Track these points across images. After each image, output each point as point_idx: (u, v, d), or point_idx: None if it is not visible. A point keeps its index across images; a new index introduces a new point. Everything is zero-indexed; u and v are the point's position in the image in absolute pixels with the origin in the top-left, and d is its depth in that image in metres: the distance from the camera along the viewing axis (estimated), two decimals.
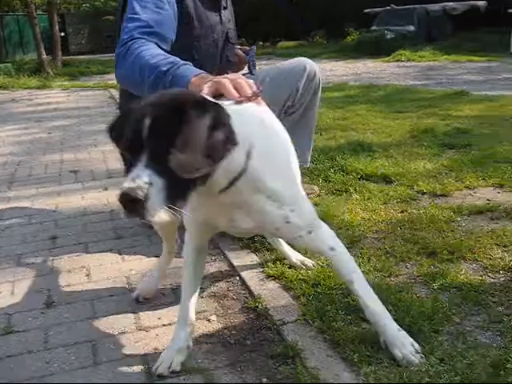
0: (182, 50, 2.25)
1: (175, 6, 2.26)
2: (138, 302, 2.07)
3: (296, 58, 2.81)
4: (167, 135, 1.21)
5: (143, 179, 1.20)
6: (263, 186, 1.43)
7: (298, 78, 2.72)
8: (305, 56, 2.92)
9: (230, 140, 1.26)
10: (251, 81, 1.60)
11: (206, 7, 2.43)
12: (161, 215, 1.25)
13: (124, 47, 2.05)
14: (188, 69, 1.82)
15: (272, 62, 11.43)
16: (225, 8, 2.59)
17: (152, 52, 1.97)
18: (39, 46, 14.05)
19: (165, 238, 2.10)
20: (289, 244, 2.22)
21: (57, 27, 15.07)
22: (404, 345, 1.60)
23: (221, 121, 1.25)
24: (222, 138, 1.24)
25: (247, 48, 2.80)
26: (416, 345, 1.60)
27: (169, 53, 2.06)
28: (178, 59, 1.89)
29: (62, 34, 18.56)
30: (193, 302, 1.71)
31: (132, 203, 1.19)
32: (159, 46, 2.08)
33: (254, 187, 1.42)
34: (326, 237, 1.62)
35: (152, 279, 2.13)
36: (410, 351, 1.58)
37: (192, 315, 1.71)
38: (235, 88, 1.53)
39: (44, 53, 14.05)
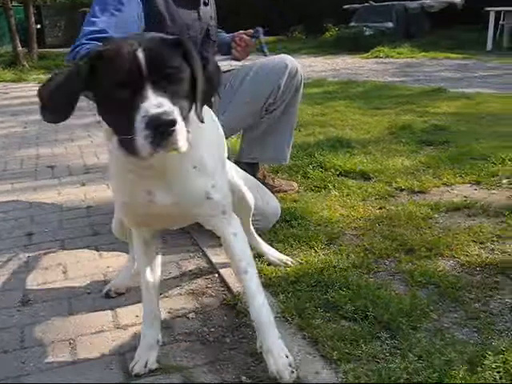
0: None
1: (141, 5, 2.27)
2: (110, 297, 2.06)
3: (278, 55, 2.80)
4: (166, 65, 1.22)
5: (168, 105, 1.18)
6: (194, 153, 1.43)
7: (280, 75, 2.71)
8: (284, 51, 2.92)
9: (219, 69, 1.38)
10: None
11: (180, 5, 2.42)
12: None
13: (72, 53, 2.14)
14: None
15: (252, 57, 11.39)
16: (206, 4, 2.57)
17: None
18: (14, 38, 13.80)
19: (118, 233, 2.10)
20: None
21: (33, 19, 14.81)
22: (280, 356, 1.52)
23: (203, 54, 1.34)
24: (214, 67, 1.37)
25: (251, 31, 2.77)
26: (291, 358, 1.54)
27: None
28: None
29: (38, 26, 18.28)
30: (154, 297, 1.69)
31: (166, 126, 1.16)
32: None
33: (190, 154, 1.41)
34: (235, 222, 1.63)
35: (124, 274, 2.12)
36: (283, 363, 1.51)
37: (156, 310, 1.70)
38: None
39: (19, 45, 13.81)
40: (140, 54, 1.19)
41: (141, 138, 1.16)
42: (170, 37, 1.30)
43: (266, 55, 2.72)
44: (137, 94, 1.18)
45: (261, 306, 1.57)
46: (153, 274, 1.68)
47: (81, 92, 1.28)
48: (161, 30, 2.30)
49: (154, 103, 1.16)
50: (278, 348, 1.54)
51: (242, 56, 2.78)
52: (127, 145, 1.21)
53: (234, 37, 2.77)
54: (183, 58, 1.28)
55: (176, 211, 1.53)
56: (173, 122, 1.15)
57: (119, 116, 1.22)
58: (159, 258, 1.72)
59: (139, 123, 1.15)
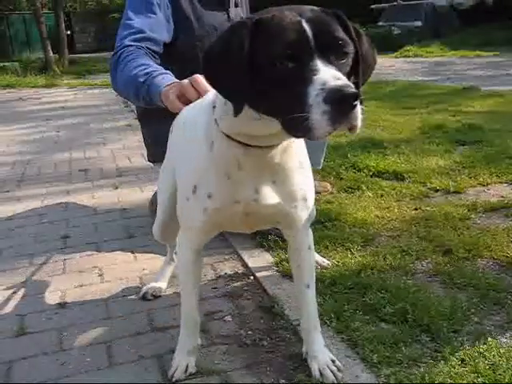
0: (186, 51, 2.32)
1: (168, 9, 2.30)
2: (147, 299, 2.06)
3: None
4: (333, 37, 1.08)
5: (343, 77, 1.03)
6: (301, 147, 1.36)
7: None
8: None
9: (374, 47, 1.22)
10: None
11: (208, 7, 2.42)
12: None
13: (115, 57, 2.14)
14: (163, 78, 1.89)
15: None
16: (236, 5, 2.57)
17: (136, 62, 2.04)
18: (45, 44, 14.06)
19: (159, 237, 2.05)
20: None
21: (63, 26, 15.07)
22: (326, 361, 1.56)
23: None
24: (368, 43, 1.20)
25: None
26: (337, 362, 1.57)
27: (164, 54, 2.23)
28: (157, 69, 1.96)
29: (68, 32, 18.57)
30: (195, 303, 1.62)
31: (349, 100, 0.99)
32: (150, 49, 2.18)
33: (298, 146, 1.35)
34: (311, 234, 1.58)
35: (161, 276, 2.12)
36: (328, 366, 1.55)
37: (197, 316, 1.65)
38: (193, 86, 1.65)
39: (51, 51, 14.07)
40: (305, 25, 1.06)
41: (317, 114, 0.99)
42: (328, 10, 1.15)
43: None
44: (305, 66, 1.03)
45: (314, 316, 1.60)
46: (195, 281, 1.61)
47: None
48: (187, 32, 2.33)
49: (332, 75, 1.01)
50: (324, 355, 1.58)
51: None
52: (294, 125, 1.04)
53: None
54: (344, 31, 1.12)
55: (274, 211, 1.41)
56: (356, 96, 1.00)
57: (284, 92, 1.05)
58: (201, 265, 1.69)
59: (315, 97, 0.99)
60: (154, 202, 2.89)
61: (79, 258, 2.50)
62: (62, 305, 2.08)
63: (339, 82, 0.99)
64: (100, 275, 2.32)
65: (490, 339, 1.65)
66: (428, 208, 2.75)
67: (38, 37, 15.55)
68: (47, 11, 18.07)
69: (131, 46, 2.13)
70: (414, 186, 3.08)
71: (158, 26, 2.24)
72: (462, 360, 1.55)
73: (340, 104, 0.99)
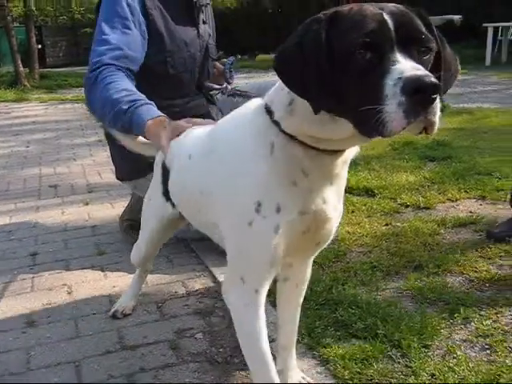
0: (155, 66, 2.30)
1: (142, 24, 2.28)
2: (116, 318, 2.04)
3: None
4: (416, 30, 1.02)
5: (424, 69, 0.95)
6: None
7: None
8: None
9: (456, 57, 1.12)
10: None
11: (179, 22, 2.41)
12: None
13: (93, 74, 2.10)
14: (147, 109, 1.89)
15: (252, 74, 11.46)
16: (204, 22, 2.58)
17: (118, 85, 2.02)
18: (16, 58, 13.87)
19: (138, 263, 2.05)
20: None
21: (34, 39, 14.92)
22: (299, 378, 1.58)
23: None
24: (451, 51, 1.11)
25: (225, 60, 2.78)
26: (308, 379, 1.58)
27: (138, 73, 2.19)
28: (141, 97, 1.95)
29: (39, 46, 18.37)
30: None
31: (429, 91, 0.91)
32: (129, 69, 2.15)
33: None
34: None
35: (130, 295, 2.10)
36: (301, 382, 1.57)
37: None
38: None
39: (21, 65, 13.89)
40: (386, 16, 1.00)
41: (392, 105, 0.92)
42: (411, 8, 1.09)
43: (229, 83, 2.71)
44: (384, 56, 0.97)
45: (295, 333, 1.57)
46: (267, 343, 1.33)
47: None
48: (159, 47, 2.32)
49: (411, 66, 0.94)
50: (297, 372, 1.58)
51: (215, 82, 2.77)
52: (367, 119, 0.96)
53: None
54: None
55: (333, 226, 1.31)
56: (437, 86, 0.92)
57: (359, 84, 0.98)
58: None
59: (391, 88, 0.92)
60: (124, 218, 2.87)
61: (48, 276, 2.46)
62: (30, 323, 2.04)
63: (418, 72, 0.92)
64: (69, 293, 2.28)
65: (459, 353, 1.67)
66: (398, 224, 2.78)
67: (8, 50, 15.37)
68: (18, 25, 17.90)
69: (111, 64, 2.10)
70: (385, 201, 3.12)
71: (134, 43, 2.22)
72: (432, 375, 1.56)
73: (417, 94, 0.91)
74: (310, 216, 1.22)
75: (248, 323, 1.27)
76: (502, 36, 12.58)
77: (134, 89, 2.04)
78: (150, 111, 1.88)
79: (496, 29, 12.19)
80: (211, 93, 2.68)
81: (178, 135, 1.67)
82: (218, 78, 2.73)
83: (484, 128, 5.19)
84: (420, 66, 0.95)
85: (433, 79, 0.91)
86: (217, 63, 2.74)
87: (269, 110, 1.19)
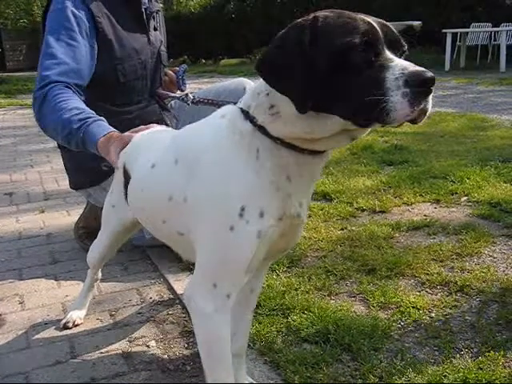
0: (106, 74, 2.29)
1: (90, 34, 2.27)
2: (68, 328, 2.01)
3: (235, 79, 2.80)
4: (395, 32, 1.11)
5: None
6: None
7: (238, 99, 2.70)
8: (247, 74, 2.93)
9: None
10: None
11: (129, 29, 2.41)
12: None
13: (41, 92, 2.10)
14: (98, 126, 1.92)
15: (214, 79, 11.45)
16: (156, 29, 2.58)
17: (67, 104, 2.03)
18: None
19: (94, 265, 2.03)
20: None
21: None
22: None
23: None
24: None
25: (177, 68, 2.78)
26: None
27: (91, 80, 2.22)
28: (91, 114, 1.98)
29: None
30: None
31: (430, 84, 1.01)
32: (77, 85, 2.16)
33: None
34: None
35: (81, 304, 2.07)
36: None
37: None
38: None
39: None
40: (369, 19, 1.09)
41: (398, 96, 1.00)
42: None
43: (182, 90, 2.73)
44: (380, 55, 1.05)
45: (247, 339, 1.56)
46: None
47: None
48: (108, 54, 2.31)
49: (409, 63, 1.04)
50: (245, 378, 1.57)
51: (167, 90, 2.76)
52: (370, 110, 1.02)
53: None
54: None
55: (301, 230, 1.35)
56: (434, 80, 1.02)
57: (357, 80, 1.03)
58: None
59: (394, 81, 1.00)
60: (79, 225, 2.83)
61: None
62: None
63: (419, 68, 1.02)
64: (21, 303, 2.24)
65: (407, 355, 1.70)
66: (354, 228, 2.81)
67: None
68: None
69: (58, 82, 2.10)
70: (342, 206, 3.15)
71: (81, 55, 2.20)
72: (380, 377, 1.58)
73: (421, 87, 1.00)
74: (287, 220, 1.23)
75: (217, 328, 1.25)
76: (460, 42, 12.87)
77: (83, 105, 2.05)
78: (101, 128, 1.91)
79: (455, 35, 12.47)
80: (165, 100, 2.67)
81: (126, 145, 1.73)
82: (170, 86, 2.72)
83: (441, 132, 5.30)
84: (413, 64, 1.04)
85: (431, 73, 1.01)
86: (169, 71, 2.74)
87: (248, 116, 1.20)
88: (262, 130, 1.18)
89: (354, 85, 1.04)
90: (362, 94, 1.02)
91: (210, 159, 1.25)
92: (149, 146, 1.59)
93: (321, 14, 1.11)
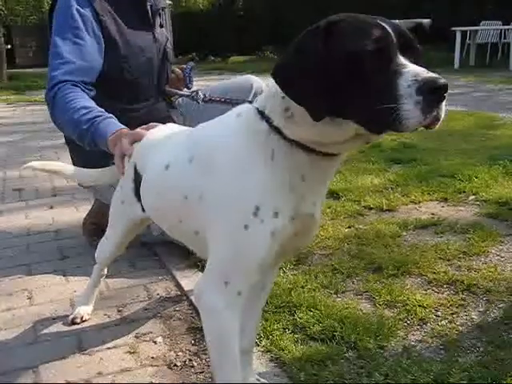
0: (112, 72, 2.31)
1: (96, 30, 2.28)
2: (76, 323, 2.02)
3: (242, 76, 2.81)
4: (410, 37, 1.11)
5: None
6: None
7: (246, 95, 2.71)
8: (255, 71, 2.94)
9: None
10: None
11: (134, 27, 2.42)
12: None
13: (51, 93, 2.15)
14: (107, 125, 1.93)
15: (223, 76, 11.45)
16: (161, 26, 2.59)
17: (76, 104, 2.06)
18: None
19: (103, 262, 2.05)
20: None
21: (2, 39, 14.74)
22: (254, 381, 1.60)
23: None
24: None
25: (184, 66, 2.79)
26: (262, 380, 1.60)
27: (97, 79, 2.24)
28: (99, 113, 1.99)
29: (9, 46, 18.11)
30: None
31: (443, 91, 1.01)
32: (84, 82, 2.18)
33: None
34: None
35: (88, 299, 2.08)
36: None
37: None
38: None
39: None
40: (384, 24, 1.08)
41: (410, 104, 0.99)
42: None
43: (189, 88, 2.73)
44: (393, 61, 1.04)
45: (255, 336, 1.58)
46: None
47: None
48: (115, 53, 2.32)
49: (421, 69, 1.02)
50: (252, 374, 1.58)
51: (174, 87, 2.77)
52: (382, 117, 1.02)
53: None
54: None
55: (315, 230, 1.37)
56: (447, 86, 1.01)
57: (370, 86, 1.03)
58: None
59: (406, 89, 0.99)
60: (88, 221, 2.85)
61: (8, 281, 2.43)
62: None
63: (432, 74, 1.00)
64: (29, 298, 2.26)
65: (413, 354, 1.70)
66: (361, 226, 2.81)
67: None
68: None
69: (66, 81, 2.12)
70: (349, 204, 3.15)
71: (87, 52, 2.22)
72: (386, 375, 1.59)
73: (434, 94, 1.00)
74: (301, 220, 1.24)
75: (226, 325, 1.26)
76: (469, 40, 12.81)
77: (91, 103, 2.07)
78: (110, 126, 1.92)
79: (464, 33, 12.41)
80: (173, 98, 2.68)
81: (136, 140, 1.72)
82: (176, 83, 2.72)
83: (450, 130, 5.28)
84: (427, 70, 1.02)
85: (444, 80, 1.00)
86: (176, 68, 2.74)
87: (264, 116, 1.21)
88: (277, 131, 1.19)
89: (366, 91, 1.04)
90: (374, 101, 1.02)
91: (225, 158, 1.26)
92: (161, 146, 1.59)
93: (335, 19, 1.11)
